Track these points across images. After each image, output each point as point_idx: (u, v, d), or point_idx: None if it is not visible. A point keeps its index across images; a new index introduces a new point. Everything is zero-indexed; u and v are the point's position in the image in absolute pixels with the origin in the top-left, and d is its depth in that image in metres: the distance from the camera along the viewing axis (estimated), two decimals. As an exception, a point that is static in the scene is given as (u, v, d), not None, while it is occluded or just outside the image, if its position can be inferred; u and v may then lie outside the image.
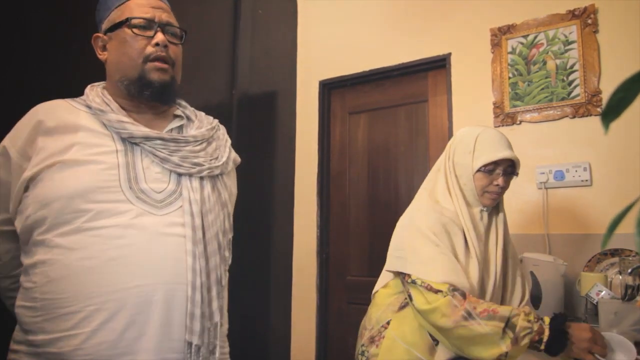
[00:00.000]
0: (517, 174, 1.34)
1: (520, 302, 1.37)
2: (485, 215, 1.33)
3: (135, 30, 0.97)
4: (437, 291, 1.16)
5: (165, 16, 1.01)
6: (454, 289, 1.15)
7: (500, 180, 1.29)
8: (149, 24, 0.98)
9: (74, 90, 1.03)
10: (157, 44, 0.97)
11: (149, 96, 0.98)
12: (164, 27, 1.00)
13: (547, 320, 1.11)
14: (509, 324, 1.09)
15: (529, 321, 1.09)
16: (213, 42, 2.32)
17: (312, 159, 2.77)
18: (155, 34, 0.98)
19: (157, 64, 0.97)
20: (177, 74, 1.03)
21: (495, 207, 1.37)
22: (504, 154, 1.28)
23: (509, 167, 1.31)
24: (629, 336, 1.33)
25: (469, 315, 1.11)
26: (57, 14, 1.50)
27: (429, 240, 1.22)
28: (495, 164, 1.29)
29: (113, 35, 1.00)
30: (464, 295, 1.15)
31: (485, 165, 1.28)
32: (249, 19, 2.51)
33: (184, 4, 2.10)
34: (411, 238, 1.26)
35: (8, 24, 1.40)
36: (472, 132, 1.35)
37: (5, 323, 0.95)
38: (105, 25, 1.02)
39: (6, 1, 1.39)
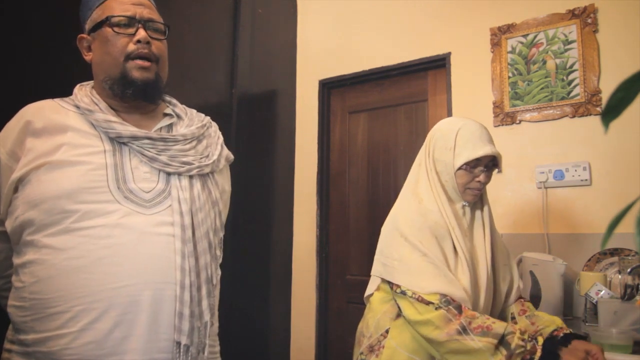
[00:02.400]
0: (499, 168, 1.31)
1: (510, 290, 1.35)
2: (468, 210, 1.31)
3: (116, 28, 0.96)
4: (427, 302, 1.14)
5: (147, 12, 1.00)
6: (447, 300, 1.14)
7: (482, 177, 1.26)
8: (130, 22, 0.97)
9: (73, 90, 1.03)
10: (139, 41, 0.96)
11: (131, 94, 0.97)
12: (145, 23, 0.98)
13: (540, 340, 1.09)
14: (502, 341, 1.08)
15: (523, 340, 1.08)
16: (213, 41, 2.31)
17: (311, 158, 2.77)
18: (136, 31, 0.97)
19: (139, 62, 0.96)
20: (162, 70, 1.02)
21: (478, 200, 1.35)
22: (485, 150, 1.24)
23: (491, 162, 1.28)
24: (628, 335, 1.34)
25: (463, 330, 1.09)
26: (57, 14, 1.50)
27: (415, 249, 1.20)
28: (477, 160, 1.26)
29: (96, 35, 0.99)
30: (458, 309, 1.13)
31: (467, 163, 1.25)
32: (249, 18, 2.51)
33: (184, 3, 2.09)
34: (398, 246, 1.24)
35: (8, 24, 1.40)
36: (452, 127, 1.30)
37: (2, 322, 0.96)
38: (88, 25, 1.01)
39: (6, 1, 1.39)
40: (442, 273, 1.18)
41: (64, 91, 1.03)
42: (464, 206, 1.31)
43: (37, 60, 1.46)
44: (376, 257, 1.31)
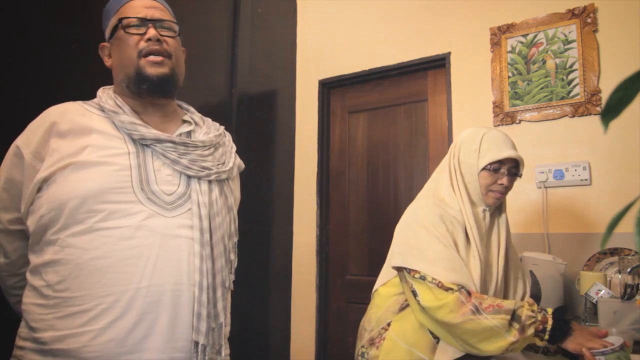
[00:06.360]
0: (520, 175, 1.36)
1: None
2: (488, 215, 1.34)
3: (128, 29, 1.00)
4: (447, 289, 1.18)
5: (158, 13, 1.04)
6: (462, 287, 1.18)
7: (504, 180, 1.31)
8: (141, 22, 1.01)
9: (74, 90, 1.03)
10: (149, 39, 0.99)
11: (146, 90, 1.00)
12: (155, 23, 1.02)
13: (550, 310, 1.16)
14: (514, 316, 1.13)
15: (532, 311, 1.14)
16: (213, 41, 2.31)
17: (311, 158, 2.77)
18: (147, 30, 1.00)
19: (151, 58, 0.99)
20: (177, 66, 1.05)
21: (497, 208, 1.38)
22: (509, 153, 1.30)
23: (513, 168, 1.33)
24: (628, 335, 1.34)
25: (476, 310, 1.14)
26: (57, 14, 1.50)
27: (436, 239, 1.23)
28: (501, 162, 1.31)
29: (113, 41, 1.03)
30: (469, 292, 1.18)
31: (490, 164, 1.31)
32: (249, 18, 2.51)
33: (184, 3, 2.09)
34: (416, 235, 1.27)
35: (8, 24, 1.40)
36: (478, 132, 1.38)
37: (9, 319, 0.96)
38: (107, 33, 1.06)
39: (6, 1, 1.39)
40: (460, 264, 1.22)
41: (64, 91, 1.04)
42: (484, 210, 1.34)
43: (37, 61, 1.45)
44: (394, 250, 1.33)
